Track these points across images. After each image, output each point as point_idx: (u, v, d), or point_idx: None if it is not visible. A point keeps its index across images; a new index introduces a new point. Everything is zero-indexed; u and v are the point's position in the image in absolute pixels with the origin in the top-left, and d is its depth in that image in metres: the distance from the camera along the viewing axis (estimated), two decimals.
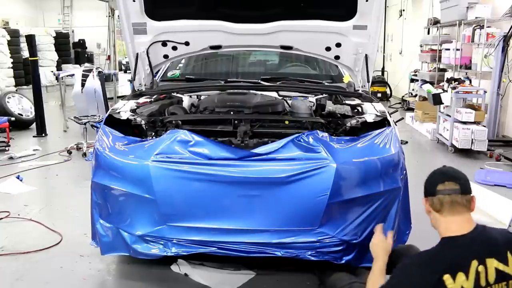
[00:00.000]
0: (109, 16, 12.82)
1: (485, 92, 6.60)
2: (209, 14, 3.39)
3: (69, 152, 6.25)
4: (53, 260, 3.24)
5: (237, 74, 4.39)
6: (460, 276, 1.67)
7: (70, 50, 17.77)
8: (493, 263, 1.71)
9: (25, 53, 12.46)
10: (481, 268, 1.69)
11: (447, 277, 1.67)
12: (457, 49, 7.95)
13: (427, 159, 6.35)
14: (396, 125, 3.04)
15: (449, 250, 1.75)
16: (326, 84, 4.00)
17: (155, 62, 3.69)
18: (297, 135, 2.67)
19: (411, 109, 9.70)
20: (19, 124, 7.82)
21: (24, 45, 13.07)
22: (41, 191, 4.95)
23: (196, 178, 2.56)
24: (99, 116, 6.65)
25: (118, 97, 8.78)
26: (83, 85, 7.64)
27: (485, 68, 7.08)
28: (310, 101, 3.58)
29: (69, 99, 8.90)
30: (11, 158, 6.07)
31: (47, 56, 15.20)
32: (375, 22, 3.31)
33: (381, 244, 2.26)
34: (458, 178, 1.85)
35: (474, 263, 1.69)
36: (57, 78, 9.58)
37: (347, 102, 3.53)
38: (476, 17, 7.37)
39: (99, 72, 7.90)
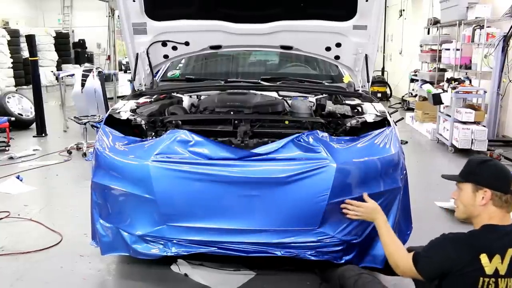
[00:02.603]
0: (109, 16, 12.82)
1: (485, 92, 6.60)
2: (209, 14, 3.39)
3: (69, 152, 6.26)
4: (53, 260, 3.24)
5: (237, 74, 4.39)
6: (497, 258, 1.78)
7: (70, 50, 17.74)
8: None
9: (25, 53, 12.44)
10: None
11: (483, 256, 1.78)
12: (457, 49, 7.95)
13: (427, 159, 6.35)
14: (396, 125, 3.04)
15: (490, 234, 1.83)
16: (326, 84, 4.00)
17: (155, 62, 3.69)
18: (297, 135, 2.67)
19: (411, 109, 9.70)
20: (19, 124, 7.81)
21: (24, 45, 13.05)
22: (41, 191, 4.95)
23: (196, 178, 2.56)
24: (99, 116, 6.65)
25: (118, 97, 8.78)
26: (83, 85, 7.64)
27: (485, 68, 7.08)
28: (310, 101, 3.58)
29: (69, 99, 8.90)
30: (11, 158, 6.07)
31: (47, 56, 15.18)
32: (375, 22, 3.31)
33: (374, 206, 2.41)
34: None
35: (510, 251, 1.79)
36: (57, 78, 9.58)
37: (347, 102, 3.53)
38: (476, 17, 7.37)
39: (99, 72, 7.89)
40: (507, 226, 1.86)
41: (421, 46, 10.12)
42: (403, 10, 12.32)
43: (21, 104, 8.26)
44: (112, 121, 3.03)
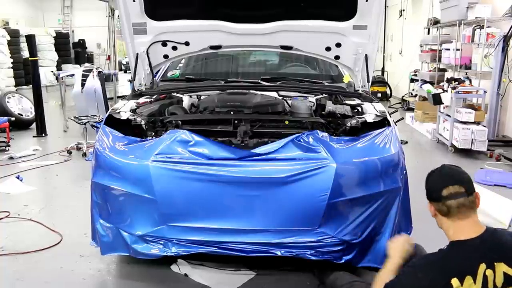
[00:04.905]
0: (109, 16, 12.80)
1: (485, 92, 6.60)
2: (209, 14, 3.40)
3: (69, 152, 6.26)
4: (53, 260, 3.24)
5: (237, 74, 4.40)
6: (468, 279, 1.68)
7: (70, 50, 17.74)
8: (501, 267, 1.70)
9: (25, 53, 12.42)
10: (489, 272, 1.69)
11: (454, 281, 1.68)
12: (457, 49, 7.95)
13: (427, 159, 6.35)
14: (396, 125, 3.04)
15: (458, 254, 1.74)
16: (326, 84, 4.00)
17: (155, 62, 3.69)
18: (297, 135, 2.67)
19: (411, 109, 9.71)
20: (19, 124, 7.82)
21: (24, 45, 13.03)
22: (41, 191, 4.95)
23: (196, 178, 2.56)
24: (99, 116, 6.65)
25: (118, 97, 8.78)
26: (83, 85, 7.62)
27: (485, 68, 7.08)
28: (310, 101, 3.58)
29: (69, 99, 8.89)
30: (11, 158, 6.07)
31: (47, 56, 15.18)
32: (375, 22, 3.31)
33: (400, 247, 2.17)
34: (462, 180, 1.82)
35: (482, 266, 1.69)
36: (57, 78, 9.58)
37: (347, 102, 3.53)
38: (476, 17, 7.37)
39: (99, 72, 7.89)
40: (475, 240, 1.74)
41: (421, 46, 10.12)
42: (403, 10, 12.32)
43: (21, 104, 8.26)
44: (112, 121, 3.03)
